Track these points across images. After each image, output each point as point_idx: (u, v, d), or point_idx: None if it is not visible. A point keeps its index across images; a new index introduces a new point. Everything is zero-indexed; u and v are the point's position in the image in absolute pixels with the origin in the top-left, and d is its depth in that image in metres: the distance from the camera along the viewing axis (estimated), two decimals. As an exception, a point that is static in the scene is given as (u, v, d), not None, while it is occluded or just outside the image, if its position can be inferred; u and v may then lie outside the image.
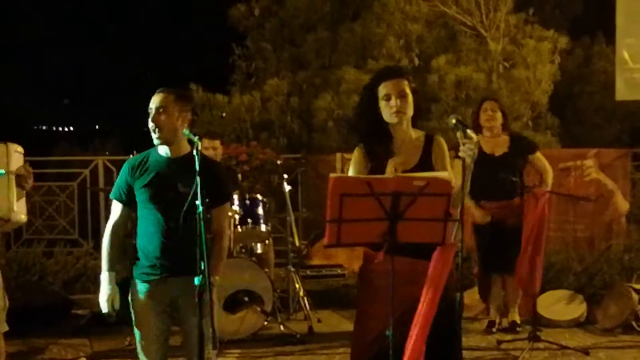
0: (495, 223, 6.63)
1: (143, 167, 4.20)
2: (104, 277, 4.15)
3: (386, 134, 4.04)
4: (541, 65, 11.86)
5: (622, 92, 9.57)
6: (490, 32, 12.08)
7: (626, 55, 9.36)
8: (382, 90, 3.96)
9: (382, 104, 3.97)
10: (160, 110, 4.11)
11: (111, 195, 4.27)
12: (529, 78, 11.78)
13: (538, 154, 6.80)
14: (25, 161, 4.74)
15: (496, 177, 6.54)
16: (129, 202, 4.20)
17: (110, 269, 4.15)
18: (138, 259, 4.21)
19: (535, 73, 11.81)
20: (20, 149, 4.74)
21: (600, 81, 13.53)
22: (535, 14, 12.34)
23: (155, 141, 4.15)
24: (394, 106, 3.93)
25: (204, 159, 4.00)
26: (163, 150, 4.21)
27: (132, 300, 4.22)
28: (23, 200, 4.69)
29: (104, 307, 4.14)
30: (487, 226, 6.71)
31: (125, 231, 4.31)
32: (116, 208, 4.23)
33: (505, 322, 7.12)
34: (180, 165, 4.09)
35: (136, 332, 4.24)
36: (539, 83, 11.87)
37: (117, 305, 4.15)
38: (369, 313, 4.03)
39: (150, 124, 4.12)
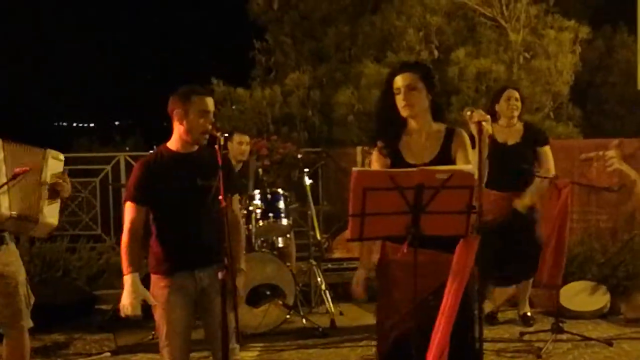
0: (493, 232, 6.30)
1: (159, 165, 4.23)
2: (129, 279, 4.14)
3: (401, 127, 4.10)
4: (562, 56, 11.79)
5: (644, 81, 9.50)
6: (510, 23, 12.01)
7: (648, 44, 9.29)
8: (395, 84, 4.04)
9: (396, 98, 4.04)
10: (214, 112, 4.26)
11: (125, 199, 4.29)
12: (550, 69, 11.71)
13: (546, 148, 6.73)
14: (64, 170, 4.79)
15: (506, 167, 6.43)
16: (146, 202, 4.22)
17: (135, 270, 4.15)
18: (160, 254, 4.23)
19: (556, 63, 11.73)
20: (60, 156, 4.79)
21: (622, 71, 13.42)
22: (556, 4, 12.24)
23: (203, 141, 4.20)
24: (402, 100, 4.01)
25: (212, 153, 4.04)
26: (175, 147, 4.26)
27: (155, 295, 4.23)
28: (56, 205, 4.73)
29: (127, 311, 4.13)
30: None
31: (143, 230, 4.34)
32: (132, 209, 4.23)
33: (512, 315, 7.12)
34: (195, 159, 4.14)
35: (160, 327, 4.26)
36: (560, 74, 11.80)
37: (151, 302, 4.18)
38: (387, 303, 4.08)
39: (210, 124, 4.18)
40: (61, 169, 4.77)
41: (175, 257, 4.19)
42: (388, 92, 4.10)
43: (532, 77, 11.69)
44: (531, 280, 6.85)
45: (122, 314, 4.16)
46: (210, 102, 4.24)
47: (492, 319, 7.08)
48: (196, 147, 4.25)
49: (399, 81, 4.02)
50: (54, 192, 4.66)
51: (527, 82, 11.48)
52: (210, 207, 4.09)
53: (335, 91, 12.27)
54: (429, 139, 4.08)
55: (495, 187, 6.39)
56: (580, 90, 13.01)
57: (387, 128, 4.13)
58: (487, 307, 7.23)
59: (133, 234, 4.19)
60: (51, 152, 4.73)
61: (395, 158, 4.05)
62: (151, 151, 4.49)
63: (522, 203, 6.60)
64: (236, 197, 4.51)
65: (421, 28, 12.23)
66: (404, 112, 4.04)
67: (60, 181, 4.68)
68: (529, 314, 7.06)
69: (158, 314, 4.25)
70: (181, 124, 4.23)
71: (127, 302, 4.12)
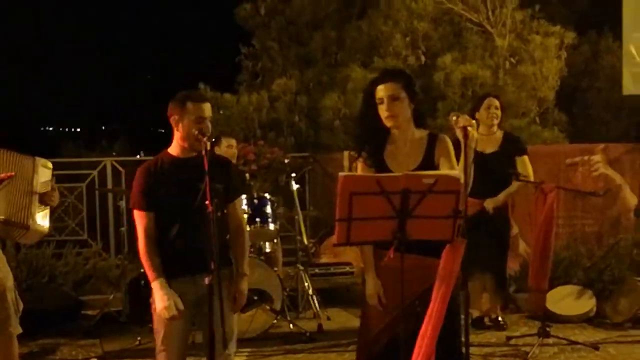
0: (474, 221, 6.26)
1: (160, 171, 4.24)
2: (156, 285, 4.14)
3: (384, 136, 4.11)
4: (548, 61, 11.85)
5: (629, 86, 9.55)
6: (496, 29, 12.06)
7: (633, 49, 9.33)
8: (377, 94, 4.03)
9: (379, 107, 4.03)
10: (210, 118, 4.25)
11: (132, 206, 4.29)
12: (536, 74, 11.77)
13: (524, 158, 6.74)
14: (52, 178, 4.78)
15: (482, 175, 6.43)
16: (151, 207, 4.22)
17: (160, 275, 4.14)
18: (162, 258, 4.23)
19: (542, 69, 11.80)
20: (49, 164, 4.79)
21: (607, 76, 13.49)
22: (542, 9, 12.30)
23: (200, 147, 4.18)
24: (385, 110, 4.01)
25: (215, 156, 4.09)
26: (175, 152, 4.26)
27: (155, 299, 4.21)
28: (46, 211, 4.74)
29: (169, 313, 4.10)
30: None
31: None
32: (142, 216, 4.23)
33: (487, 320, 7.14)
34: (196, 165, 4.10)
35: (157, 331, 4.25)
36: (545, 79, 11.86)
37: (180, 306, 4.14)
38: (374, 309, 4.08)
39: (206, 131, 4.18)
40: (50, 177, 4.76)
41: (176, 262, 4.18)
42: (369, 101, 4.09)
43: (517, 82, 11.75)
44: (485, 284, 6.91)
45: (166, 317, 4.12)
46: (206, 108, 4.22)
47: (480, 324, 7.09)
48: (196, 152, 4.22)
49: (382, 91, 4.01)
50: (42, 202, 4.67)
51: (513, 87, 11.53)
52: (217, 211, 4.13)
53: (322, 96, 12.29)
54: (412, 146, 4.10)
55: (471, 195, 6.41)
56: (566, 96, 13.07)
57: (371, 138, 4.13)
58: (475, 312, 7.26)
59: (149, 240, 4.19)
60: (40, 161, 4.72)
61: (380, 168, 4.05)
62: (151, 157, 4.48)
63: (492, 202, 6.62)
64: (240, 201, 4.53)
65: (408, 33, 12.27)
66: (388, 123, 4.03)
67: (50, 190, 4.68)
68: (500, 318, 7.07)
69: (156, 318, 4.23)
70: (177, 130, 4.24)
71: (163, 306, 4.10)
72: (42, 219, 4.69)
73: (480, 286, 6.99)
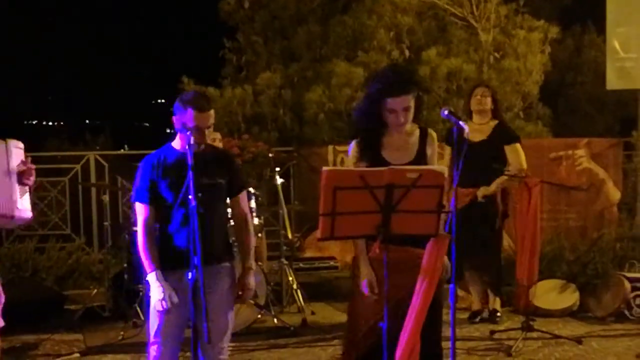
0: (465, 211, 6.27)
1: (164, 166, 4.23)
2: (152, 277, 4.14)
3: (382, 131, 4.14)
4: (532, 56, 11.86)
5: (613, 81, 9.56)
6: (480, 23, 12.06)
7: (617, 44, 9.34)
8: (389, 104, 4.02)
9: (386, 112, 4.04)
10: (210, 126, 4.22)
11: (133, 199, 4.30)
12: (520, 68, 11.77)
13: (515, 146, 6.77)
14: (25, 157, 4.72)
15: (470, 163, 6.43)
16: (153, 201, 4.22)
17: (158, 267, 4.16)
18: (161, 251, 4.22)
19: (526, 63, 11.81)
20: (20, 144, 4.71)
21: (591, 71, 13.54)
22: (526, 4, 12.32)
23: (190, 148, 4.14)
24: (396, 118, 4.03)
25: (216, 150, 4.20)
26: (178, 146, 4.26)
27: (151, 292, 4.21)
28: (27, 196, 4.66)
29: (164, 305, 4.10)
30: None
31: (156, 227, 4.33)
32: (141, 209, 4.24)
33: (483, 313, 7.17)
34: (199, 158, 4.06)
35: (152, 322, 4.23)
36: (529, 73, 11.87)
37: (175, 299, 4.13)
38: (363, 303, 4.08)
39: (199, 140, 4.14)
40: (22, 157, 4.68)
41: (178, 255, 4.16)
42: (375, 106, 4.08)
43: (502, 76, 11.75)
44: (483, 276, 6.94)
45: (159, 308, 4.13)
46: (204, 117, 4.17)
47: (475, 318, 7.10)
48: (200, 147, 4.18)
49: (395, 104, 4.00)
50: (20, 183, 4.59)
51: (497, 81, 11.53)
52: (215, 206, 4.18)
53: (306, 90, 12.26)
54: (407, 140, 4.16)
55: (460, 184, 6.39)
56: (550, 90, 13.09)
57: (369, 133, 4.15)
58: (466, 305, 7.28)
59: (148, 233, 4.21)
60: (12, 142, 4.66)
61: (377, 160, 4.05)
62: (135, 151, 4.46)
63: (483, 191, 6.64)
64: (244, 194, 4.51)
65: (392, 28, 12.25)
66: (395, 128, 4.08)
67: (27, 169, 4.60)
68: (498, 309, 7.09)
69: (151, 311, 4.22)
70: (175, 129, 4.24)
71: (160, 297, 4.11)
72: (25, 204, 4.63)
73: (478, 280, 7.03)
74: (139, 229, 4.24)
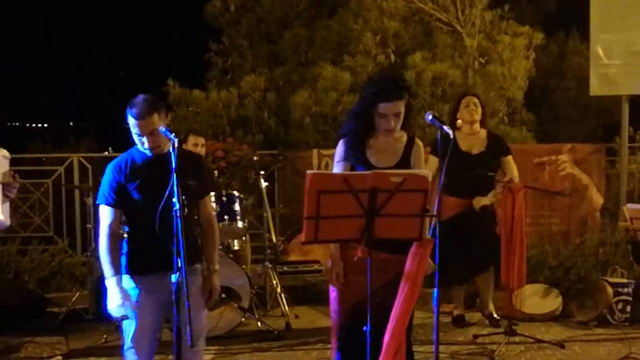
0: (454, 227, 6.34)
1: (131, 168, 4.21)
2: (112, 282, 4.12)
3: (369, 133, 4.24)
4: (516, 61, 11.90)
5: (596, 87, 9.61)
6: (465, 29, 12.09)
7: (600, 51, 9.39)
8: (381, 108, 4.11)
9: (377, 117, 4.15)
10: (155, 132, 4.12)
11: (99, 202, 4.26)
12: (504, 74, 11.81)
13: (509, 158, 6.83)
14: (10, 168, 4.67)
15: (472, 175, 6.55)
16: (120, 204, 4.20)
17: (116, 273, 4.14)
18: (133, 255, 4.20)
19: (511, 69, 11.84)
20: (6, 153, 4.66)
21: (574, 77, 13.59)
22: (511, 10, 12.36)
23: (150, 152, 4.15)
24: (386, 123, 4.14)
25: (186, 153, 4.13)
26: (144, 148, 4.21)
27: (110, 298, 4.18)
28: (7, 204, 4.64)
29: (118, 313, 4.09)
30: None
31: (120, 232, 4.31)
32: (106, 212, 4.22)
33: (475, 317, 7.18)
34: (166, 161, 4.03)
35: (127, 327, 4.22)
36: (514, 79, 11.90)
37: (132, 306, 4.12)
38: (347, 282, 4.14)
39: (151, 145, 4.14)
40: (8, 167, 4.65)
41: (150, 259, 4.16)
42: (367, 110, 4.18)
43: (486, 82, 11.78)
44: (492, 279, 6.95)
45: (116, 315, 4.13)
46: (143, 125, 4.11)
47: (460, 322, 7.12)
48: (168, 149, 4.09)
49: (387, 109, 4.11)
50: (3, 194, 4.56)
51: (482, 87, 11.56)
52: (186, 208, 4.11)
53: (291, 93, 12.25)
54: (393, 144, 4.25)
55: (459, 195, 6.48)
56: (534, 96, 13.14)
57: (357, 134, 4.23)
58: (450, 309, 7.29)
59: (112, 237, 4.19)
60: (1, 151, 4.63)
61: (363, 162, 4.15)
62: (120, 153, 4.43)
63: (480, 201, 6.67)
64: (210, 196, 4.55)
65: (378, 32, 12.26)
66: (383, 133, 4.18)
67: (12, 182, 4.57)
68: (494, 314, 7.11)
69: (127, 315, 4.20)
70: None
71: (114, 305, 4.10)
72: (4, 212, 4.59)
73: (485, 285, 7.06)
74: (102, 232, 4.21)
